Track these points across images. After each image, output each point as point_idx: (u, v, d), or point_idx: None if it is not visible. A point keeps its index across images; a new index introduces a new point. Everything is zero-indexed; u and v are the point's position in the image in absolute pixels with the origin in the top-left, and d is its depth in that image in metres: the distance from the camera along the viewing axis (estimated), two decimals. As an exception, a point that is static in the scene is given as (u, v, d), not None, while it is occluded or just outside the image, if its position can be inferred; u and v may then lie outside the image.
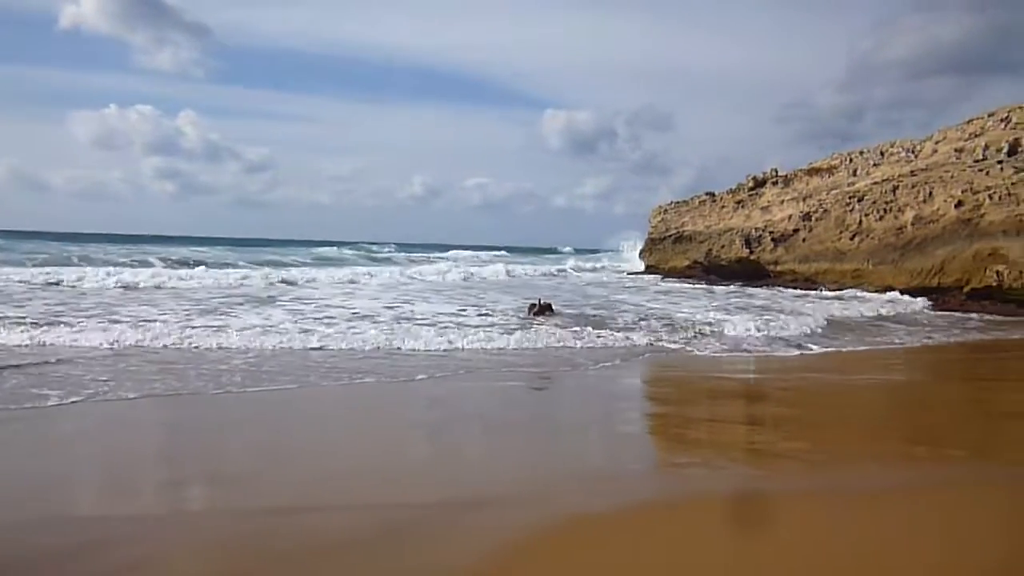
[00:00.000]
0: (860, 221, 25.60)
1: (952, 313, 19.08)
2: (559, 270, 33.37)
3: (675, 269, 33.32)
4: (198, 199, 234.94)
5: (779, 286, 25.58)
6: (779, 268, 27.10)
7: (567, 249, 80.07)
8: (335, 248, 52.55)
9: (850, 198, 26.73)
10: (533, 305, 15.15)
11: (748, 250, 28.89)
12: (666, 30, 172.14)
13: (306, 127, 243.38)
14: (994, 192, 22.81)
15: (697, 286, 24.70)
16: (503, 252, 61.74)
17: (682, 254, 33.92)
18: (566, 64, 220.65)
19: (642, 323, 13.93)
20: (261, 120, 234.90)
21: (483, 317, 14.30)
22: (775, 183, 32.99)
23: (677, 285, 26.37)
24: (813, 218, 27.44)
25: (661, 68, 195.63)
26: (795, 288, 25.20)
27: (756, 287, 25.75)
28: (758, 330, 13.25)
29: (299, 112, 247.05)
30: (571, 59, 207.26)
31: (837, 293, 23.21)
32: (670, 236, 35.64)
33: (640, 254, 39.11)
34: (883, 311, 18.53)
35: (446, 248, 56.44)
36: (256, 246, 53.66)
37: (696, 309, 16.94)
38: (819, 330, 13.96)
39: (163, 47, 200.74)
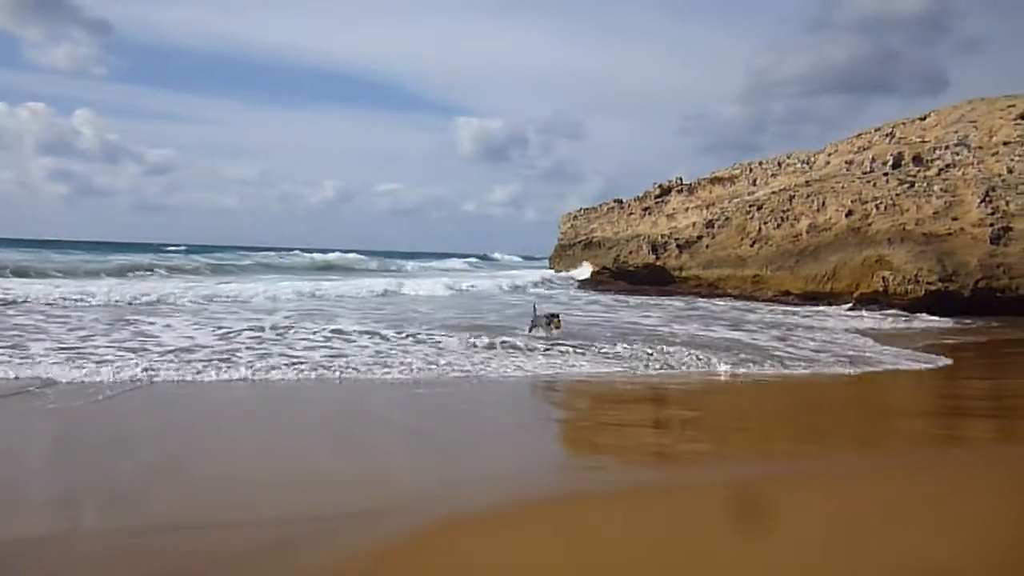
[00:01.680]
0: (759, 229, 26.63)
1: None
2: (514, 286, 27.95)
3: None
4: (94, 201, 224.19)
5: (690, 294, 26.28)
6: (684, 274, 27.89)
7: (490, 255, 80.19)
8: (243, 253, 50.80)
9: (750, 207, 27.77)
10: (549, 317, 12.10)
11: (655, 256, 29.62)
12: (578, 40, 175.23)
13: (210, 129, 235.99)
14: (880, 202, 24.17)
15: (648, 300, 24.34)
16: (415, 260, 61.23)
17: (591, 260, 34.47)
18: (478, 71, 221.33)
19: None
20: (164, 121, 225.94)
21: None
22: (680, 191, 33.97)
23: (632, 299, 26.52)
24: (716, 225, 28.37)
25: (572, 77, 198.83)
26: (727, 298, 25.96)
27: (694, 298, 26.38)
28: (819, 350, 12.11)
29: (204, 114, 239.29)
30: (483, 66, 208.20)
31: (791, 308, 24.03)
32: (579, 242, 36.19)
33: (550, 260, 39.55)
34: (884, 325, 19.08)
35: (367, 254, 55.05)
36: (145, 252, 49.91)
37: (702, 328, 15.04)
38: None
39: (59, 43, 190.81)
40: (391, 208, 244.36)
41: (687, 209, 31.70)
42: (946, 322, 19.04)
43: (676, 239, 29.38)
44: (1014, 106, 27.31)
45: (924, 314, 20.07)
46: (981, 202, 22.77)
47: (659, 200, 34.21)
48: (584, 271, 33.42)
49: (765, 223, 26.59)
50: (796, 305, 22.23)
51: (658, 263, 29.20)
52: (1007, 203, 22.67)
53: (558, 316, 12.25)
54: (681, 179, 35.04)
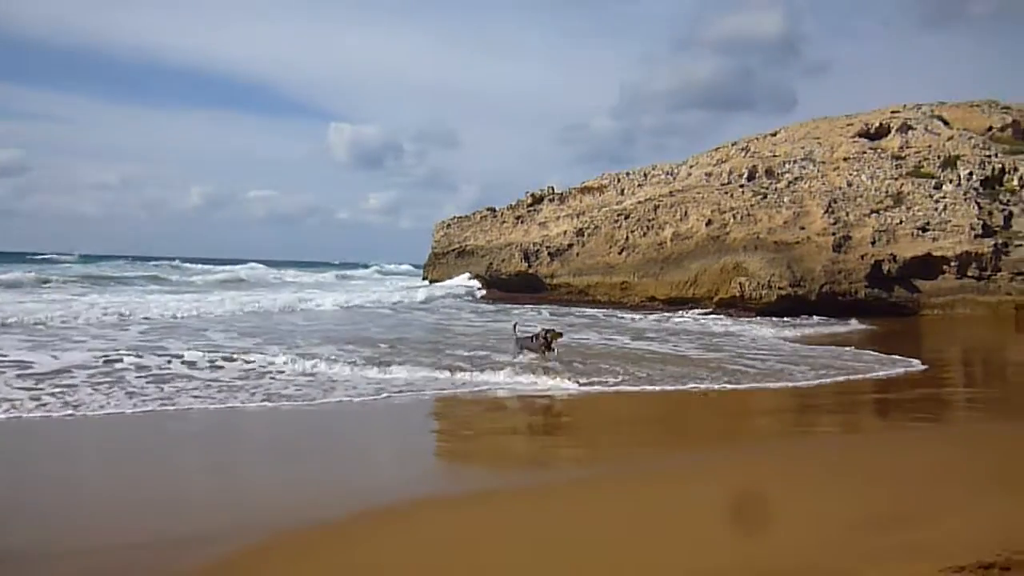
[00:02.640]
0: (627, 237, 27.56)
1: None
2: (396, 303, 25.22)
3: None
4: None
5: (559, 301, 26.83)
6: (555, 281, 28.46)
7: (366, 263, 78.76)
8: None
9: (618, 216, 28.70)
10: (546, 335, 10.67)
11: (527, 264, 30.09)
12: (455, 49, 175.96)
13: (65, 129, 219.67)
14: (737, 212, 25.56)
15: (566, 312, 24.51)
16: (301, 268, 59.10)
17: (465, 268, 34.63)
18: (353, 76, 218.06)
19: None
20: (11, 119, 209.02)
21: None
22: (552, 200, 34.68)
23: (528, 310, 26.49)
24: (586, 234, 29.13)
25: (449, 86, 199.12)
26: (596, 304, 26.55)
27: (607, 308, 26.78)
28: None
29: (57, 112, 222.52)
30: (358, 72, 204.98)
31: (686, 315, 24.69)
32: (453, 250, 36.26)
33: (423, 268, 39.41)
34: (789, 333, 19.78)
35: (236, 263, 52.49)
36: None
37: (644, 342, 14.80)
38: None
39: None
40: (266, 215, 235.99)
41: (558, 218, 32.39)
42: (849, 325, 19.76)
43: (548, 247, 29.95)
44: (852, 125, 29.63)
45: (805, 316, 21.16)
46: (825, 213, 24.52)
47: (531, 209, 34.79)
48: (461, 280, 33.48)
49: (632, 231, 27.54)
50: (665, 310, 23.13)
51: (530, 271, 29.66)
52: (847, 214, 24.53)
53: (557, 332, 10.73)
54: (553, 188, 35.79)
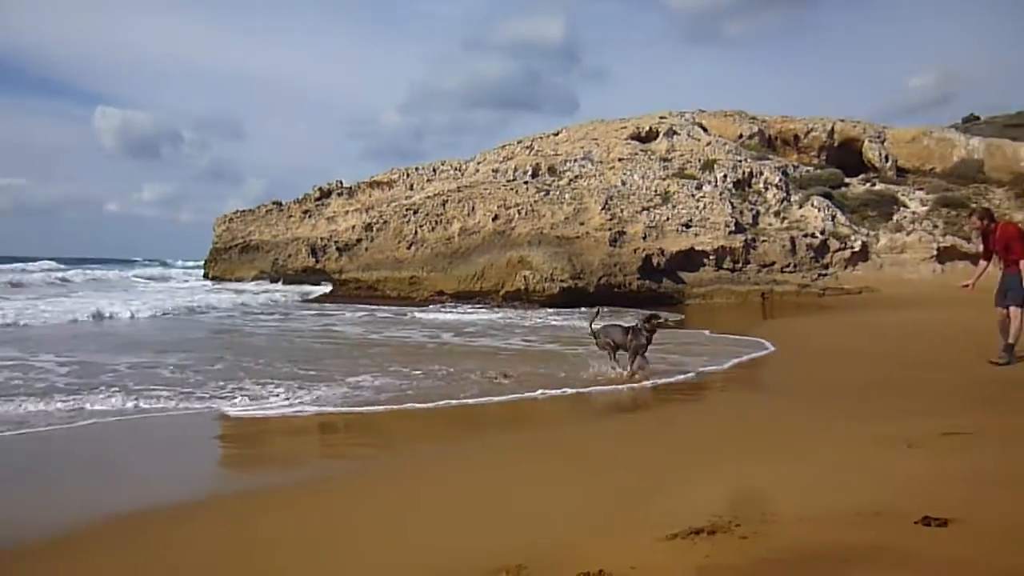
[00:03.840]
0: (416, 232, 27.61)
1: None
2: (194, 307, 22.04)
3: (242, 280, 32.28)
4: None
5: (347, 297, 26.30)
6: (344, 276, 27.89)
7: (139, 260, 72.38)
8: None
9: (407, 210, 28.68)
10: (637, 329, 8.57)
11: (314, 259, 29.27)
12: (239, 36, 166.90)
13: None
14: (522, 208, 26.46)
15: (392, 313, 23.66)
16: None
17: (249, 264, 33.07)
18: (121, 57, 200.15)
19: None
20: None
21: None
22: (340, 194, 34.00)
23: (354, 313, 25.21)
24: (375, 228, 28.83)
25: (233, 74, 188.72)
26: (387, 300, 26.12)
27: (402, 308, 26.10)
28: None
29: None
30: (128, 53, 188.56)
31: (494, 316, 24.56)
32: (236, 246, 34.48)
33: (205, 265, 37.12)
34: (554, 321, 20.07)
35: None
36: None
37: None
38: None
39: None
40: (13, 207, 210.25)
41: (347, 212, 31.81)
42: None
43: (336, 242, 29.31)
44: (626, 128, 31.69)
45: (587, 307, 22.27)
46: (602, 209, 26.02)
47: (319, 203, 33.89)
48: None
49: (421, 226, 27.63)
50: (456, 304, 23.40)
51: (318, 266, 28.89)
52: (622, 210, 26.20)
53: (657, 317, 8.79)
54: (342, 182, 35.08)
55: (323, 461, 5.52)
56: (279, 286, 28.86)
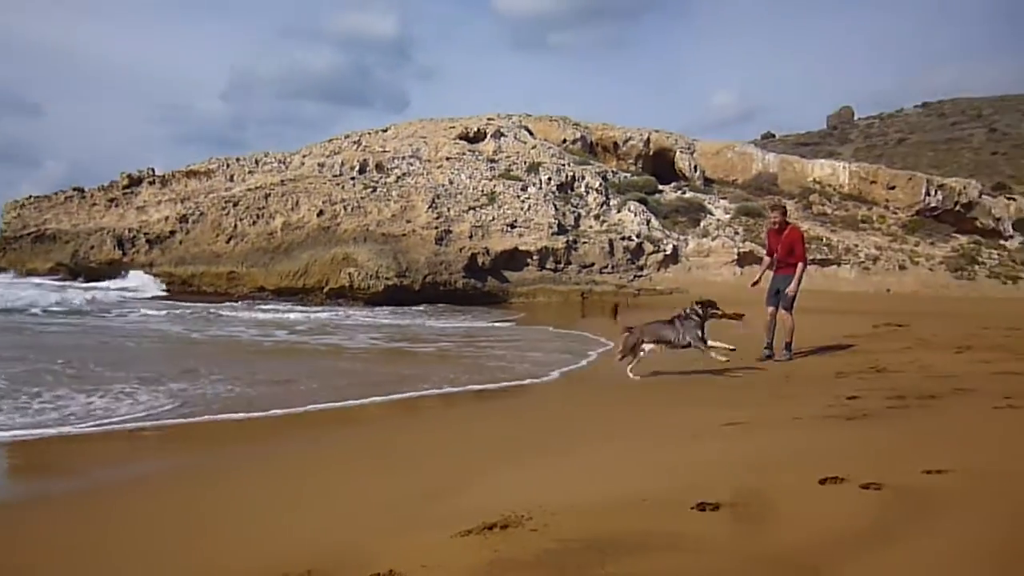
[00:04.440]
0: (235, 225, 26.43)
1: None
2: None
3: (35, 272, 29.40)
4: None
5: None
6: (155, 271, 26.18)
7: None
8: None
9: (226, 203, 27.38)
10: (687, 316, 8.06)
11: (121, 252, 27.26)
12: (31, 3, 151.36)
13: None
14: (348, 204, 26.05)
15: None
16: None
17: (44, 255, 30.16)
18: None
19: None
20: None
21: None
22: (152, 183, 31.78)
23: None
24: (190, 220, 27.30)
25: (27, 43, 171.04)
26: (201, 296, 24.64)
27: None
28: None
29: None
30: None
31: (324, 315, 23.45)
32: (29, 235, 31.31)
33: (-9, 255, 33.45)
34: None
35: None
36: None
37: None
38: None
39: None
40: None
41: (160, 202, 29.82)
42: (491, 314, 20.88)
43: (146, 234, 27.47)
44: (454, 128, 31.99)
45: (414, 305, 22.12)
46: (429, 208, 26.13)
47: (128, 191, 31.51)
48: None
49: (241, 220, 26.50)
50: (278, 302, 22.62)
51: (125, 259, 26.93)
52: (449, 209, 26.44)
53: (713, 304, 8.20)
54: (154, 170, 32.81)
55: (103, 471, 5.19)
56: (79, 283, 26.59)
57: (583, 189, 29.76)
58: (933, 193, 33.26)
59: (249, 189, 28.37)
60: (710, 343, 7.94)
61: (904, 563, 2.32)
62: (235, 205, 27.11)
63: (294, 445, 5.82)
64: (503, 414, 6.91)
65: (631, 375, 8.02)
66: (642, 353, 8.09)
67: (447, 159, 29.68)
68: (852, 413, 4.80)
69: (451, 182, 28.19)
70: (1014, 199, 38.68)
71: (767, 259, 9.98)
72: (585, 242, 27.32)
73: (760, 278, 9.96)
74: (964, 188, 34.14)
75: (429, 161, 29.67)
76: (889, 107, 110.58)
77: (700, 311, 7.94)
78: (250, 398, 7.09)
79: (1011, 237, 34.16)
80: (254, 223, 26.31)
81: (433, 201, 26.42)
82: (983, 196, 35.12)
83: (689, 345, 7.93)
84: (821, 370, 7.91)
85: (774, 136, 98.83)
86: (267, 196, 27.10)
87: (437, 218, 25.90)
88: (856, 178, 34.78)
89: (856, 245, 30.11)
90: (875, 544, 2.47)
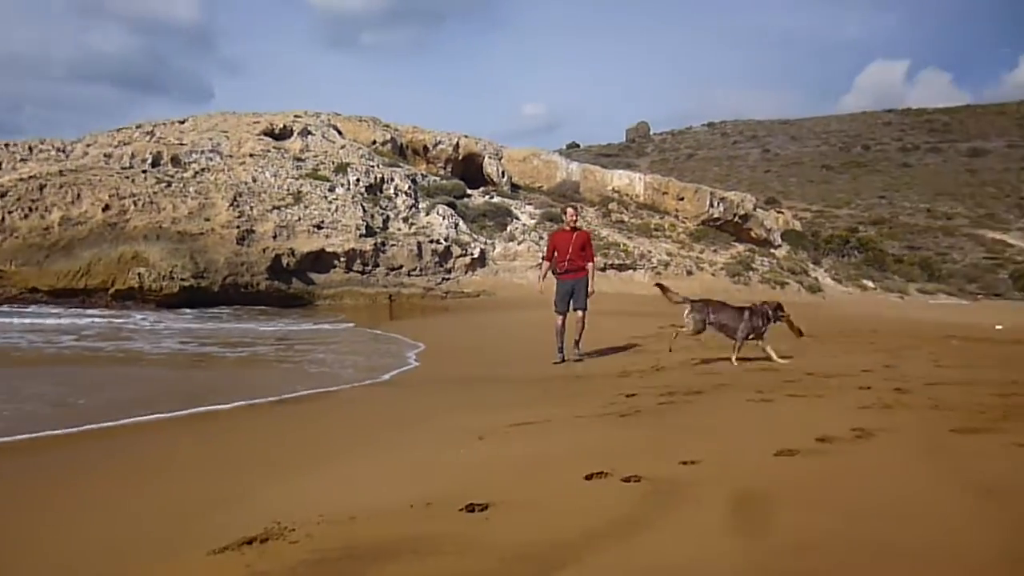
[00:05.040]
0: (3, 219, 23.76)
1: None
2: None
3: None
4: None
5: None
6: (-100, 268, 22.96)
7: None
8: None
9: (-8, 193, 24.56)
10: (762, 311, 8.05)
11: None
12: None
13: None
14: (139, 199, 24.26)
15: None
16: None
17: None
18: None
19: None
20: None
21: None
22: (-102, 168, 27.87)
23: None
24: (-54, 212, 24.20)
25: None
26: None
27: None
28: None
29: None
30: None
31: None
32: None
33: None
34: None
35: None
36: None
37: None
38: None
39: None
40: None
41: (-92, 190, 26.20)
42: (321, 318, 20.08)
43: None
44: (259, 123, 30.75)
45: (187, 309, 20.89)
46: (230, 206, 24.93)
47: None
48: None
49: (10, 212, 23.84)
50: (53, 304, 20.62)
51: None
52: (251, 208, 25.37)
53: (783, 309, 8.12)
54: (-100, 154, 28.79)
55: None
56: None
57: (392, 191, 29.67)
58: (716, 205, 36.44)
59: (21, 179, 25.58)
60: (768, 348, 7.99)
61: (653, 546, 2.53)
62: (3, 196, 24.34)
63: (54, 466, 5.29)
64: (298, 421, 6.74)
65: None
66: (693, 332, 8.22)
67: (251, 155, 28.45)
68: (627, 410, 5.16)
69: (255, 180, 27.07)
70: (782, 212, 43.36)
71: (547, 263, 9.93)
72: (394, 244, 27.25)
73: (542, 281, 9.94)
74: (742, 201, 37.71)
75: (231, 157, 28.30)
76: (680, 124, 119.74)
77: (771, 312, 7.98)
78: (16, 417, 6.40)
79: (780, 246, 38.18)
80: (26, 216, 23.78)
81: (235, 199, 25.23)
82: (757, 209, 39.00)
83: (748, 338, 7.94)
84: (608, 370, 8.43)
85: (578, 146, 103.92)
86: (43, 187, 24.58)
87: (239, 217, 24.77)
88: (650, 189, 37.35)
89: (650, 251, 32.31)
90: (630, 532, 2.66)
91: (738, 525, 2.69)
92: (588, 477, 3.30)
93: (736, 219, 36.69)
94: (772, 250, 37.33)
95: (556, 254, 9.74)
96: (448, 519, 2.91)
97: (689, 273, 31.68)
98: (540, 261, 30.19)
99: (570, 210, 10.14)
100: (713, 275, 32.15)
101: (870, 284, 36.57)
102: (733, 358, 7.84)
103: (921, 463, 3.44)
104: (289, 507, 3.28)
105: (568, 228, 9.86)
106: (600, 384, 7.09)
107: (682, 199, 36.81)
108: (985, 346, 10.47)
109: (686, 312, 8.14)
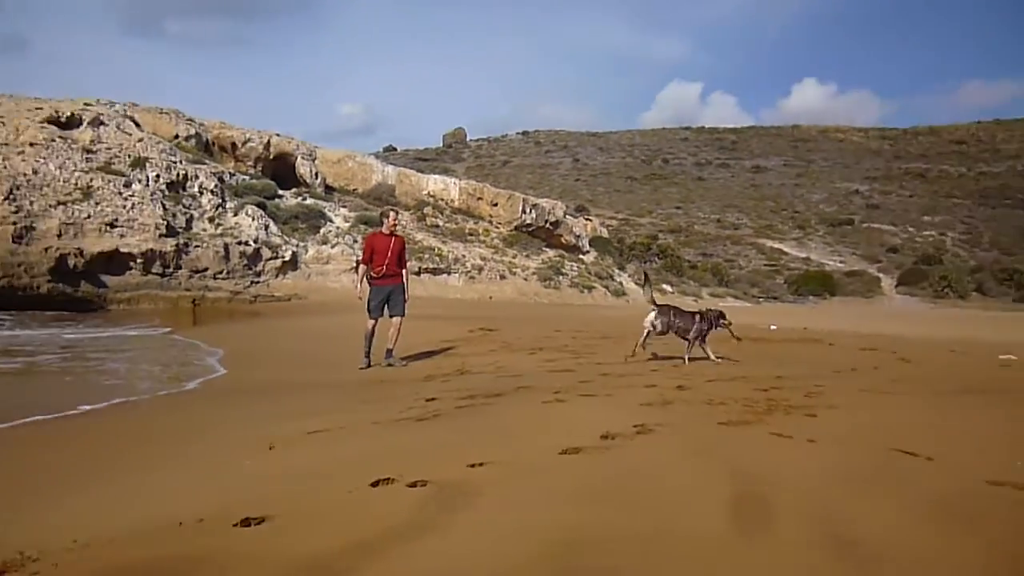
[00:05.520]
0: None
1: None
2: None
3: None
4: None
5: None
6: None
7: None
8: None
9: None
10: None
11: None
12: None
13: None
14: None
15: None
16: None
17: None
18: None
19: None
20: None
21: None
22: None
23: None
24: None
25: None
26: None
27: None
28: None
29: None
30: None
31: None
32: None
33: None
34: None
35: None
36: None
37: None
38: None
39: None
40: None
41: None
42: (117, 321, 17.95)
43: None
44: (42, 109, 27.97)
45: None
46: (5, 200, 22.51)
47: None
48: None
49: None
50: None
51: None
52: (32, 203, 23.06)
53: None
54: None
55: None
56: None
57: (197, 189, 28.08)
58: (529, 211, 37.69)
59: None
60: (708, 348, 8.64)
61: (434, 550, 2.57)
62: None
63: None
64: (68, 439, 6.13)
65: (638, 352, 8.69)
66: (659, 332, 8.72)
67: (31, 145, 25.79)
68: (425, 414, 5.17)
69: (35, 172, 24.58)
70: (591, 220, 45.61)
71: (364, 266, 9.69)
72: (198, 246, 25.82)
73: (360, 287, 9.70)
74: (553, 208, 39.26)
75: (7, 145, 25.48)
76: (496, 132, 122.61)
77: (714, 319, 8.72)
78: None
79: (588, 252, 40.15)
80: None
81: (11, 192, 22.80)
82: (567, 216, 40.77)
83: (696, 339, 8.59)
84: (414, 374, 8.48)
85: (396, 149, 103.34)
86: None
87: (16, 212, 22.42)
88: (465, 194, 37.98)
89: (464, 256, 32.84)
90: (411, 537, 2.66)
91: (521, 524, 2.80)
92: (374, 484, 3.26)
93: (548, 225, 38.14)
94: (581, 256, 39.18)
95: (374, 257, 9.58)
96: (220, 535, 2.77)
97: (502, 277, 32.54)
98: (356, 264, 29.88)
99: (392, 214, 10.03)
100: (525, 279, 33.23)
101: (668, 288, 39.30)
102: (686, 357, 8.49)
103: (691, 456, 3.78)
104: (41, 535, 2.97)
105: (386, 232, 9.75)
106: (403, 389, 7.04)
107: (496, 205, 37.73)
108: (761, 345, 11.63)
109: (653, 315, 8.68)
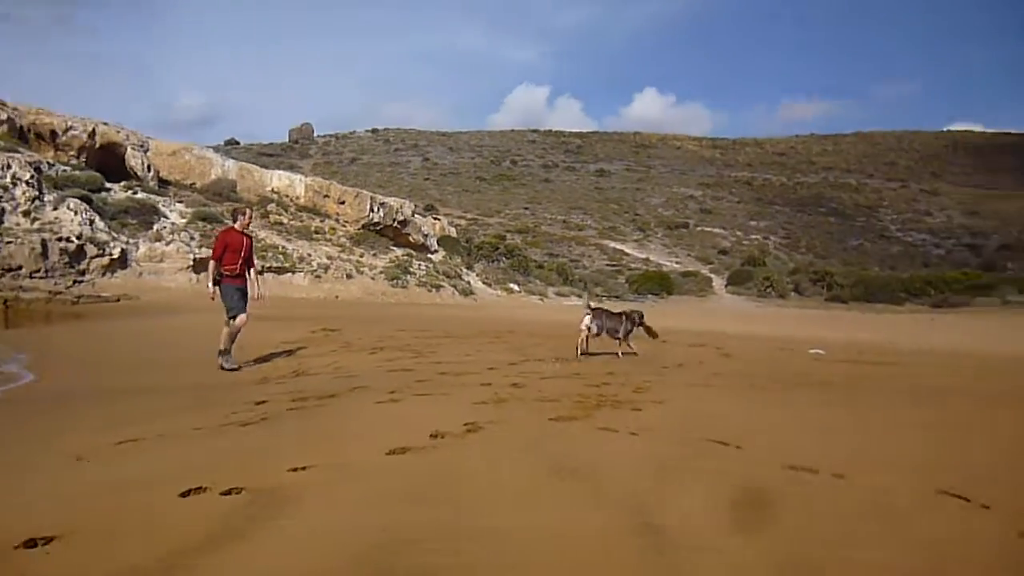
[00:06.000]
0: None
1: None
2: None
3: None
4: None
5: None
6: None
7: None
8: None
9: None
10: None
11: None
12: None
13: None
14: None
15: None
16: None
17: None
18: None
19: None
20: None
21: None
22: None
23: None
24: None
25: None
26: None
27: None
28: None
29: None
30: None
31: None
32: None
33: None
34: None
35: None
36: None
37: None
38: None
39: None
40: None
41: None
42: None
43: None
44: None
45: None
46: None
47: None
48: None
49: None
50: None
51: None
52: None
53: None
54: None
55: None
56: None
57: (9, 180, 25.71)
58: (376, 210, 37.30)
59: None
60: (631, 343, 9.62)
61: (243, 558, 2.49)
62: None
63: None
64: None
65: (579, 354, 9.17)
66: (594, 335, 9.38)
67: None
68: (252, 418, 4.97)
69: None
70: (439, 219, 45.76)
71: (215, 263, 9.25)
72: (10, 242, 23.67)
73: (213, 289, 9.21)
74: (401, 207, 39.06)
75: None
76: (345, 128, 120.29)
77: (637, 319, 9.68)
78: None
79: (436, 251, 40.24)
80: None
81: None
82: (416, 215, 40.69)
83: (623, 337, 9.51)
84: (250, 377, 8.17)
85: (238, 143, 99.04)
86: None
87: None
88: (311, 191, 37.04)
89: (310, 254, 32.02)
90: (218, 546, 2.55)
91: (338, 527, 2.77)
92: (184, 494, 3.12)
93: (396, 224, 37.90)
94: (429, 255, 39.21)
95: (227, 255, 9.17)
96: (3, 557, 2.53)
97: (349, 277, 32.02)
98: (193, 263, 28.43)
99: (248, 211, 9.92)
100: (373, 279, 32.87)
101: (516, 288, 40.11)
102: (619, 352, 9.34)
103: (519, 451, 3.90)
104: None
105: (239, 229, 9.44)
106: (234, 393, 6.68)
107: (343, 203, 37.08)
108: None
109: (588, 319, 9.33)
